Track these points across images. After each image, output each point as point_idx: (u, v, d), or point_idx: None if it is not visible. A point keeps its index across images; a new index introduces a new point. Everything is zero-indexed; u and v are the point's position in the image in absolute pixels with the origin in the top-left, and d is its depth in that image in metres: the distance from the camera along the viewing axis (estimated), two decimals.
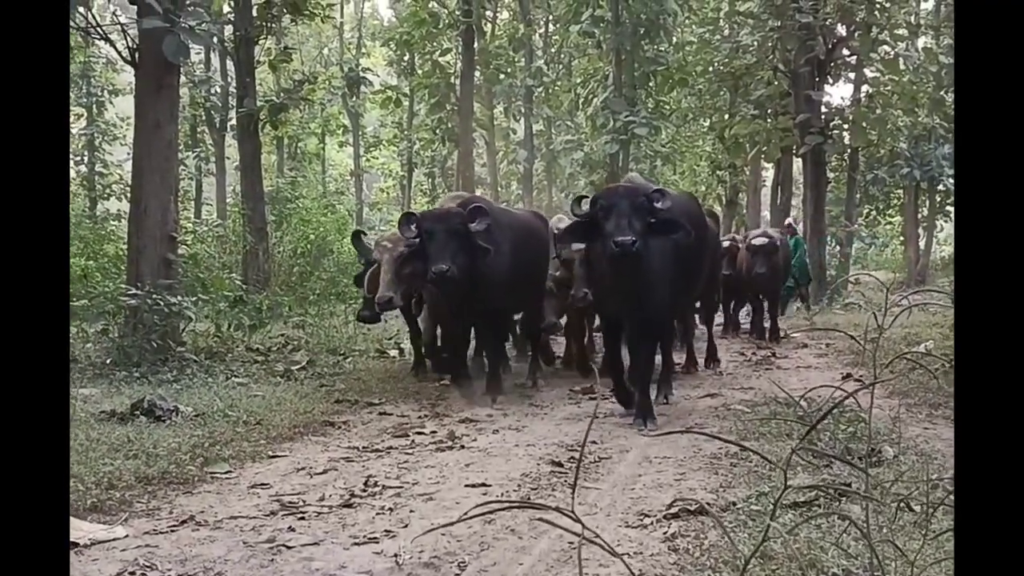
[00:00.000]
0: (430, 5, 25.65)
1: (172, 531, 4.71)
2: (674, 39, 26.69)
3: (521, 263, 9.10)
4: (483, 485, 5.69)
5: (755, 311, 15.49)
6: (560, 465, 6.21)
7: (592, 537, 2.47)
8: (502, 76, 28.80)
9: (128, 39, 10.95)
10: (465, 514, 3.13)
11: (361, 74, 26.67)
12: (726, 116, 27.38)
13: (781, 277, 15.17)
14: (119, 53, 11.54)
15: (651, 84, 25.85)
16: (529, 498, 5.43)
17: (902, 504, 4.20)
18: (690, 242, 7.65)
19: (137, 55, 10.44)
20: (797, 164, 27.55)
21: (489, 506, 3.17)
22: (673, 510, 4.84)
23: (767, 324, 14.85)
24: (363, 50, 36.84)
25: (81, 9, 10.10)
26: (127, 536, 4.61)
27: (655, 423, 7.48)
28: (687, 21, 27.68)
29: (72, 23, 11.05)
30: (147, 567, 4.18)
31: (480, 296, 8.62)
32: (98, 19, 11.90)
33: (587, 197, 7.77)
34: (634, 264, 7.21)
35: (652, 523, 4.74)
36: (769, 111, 25.02)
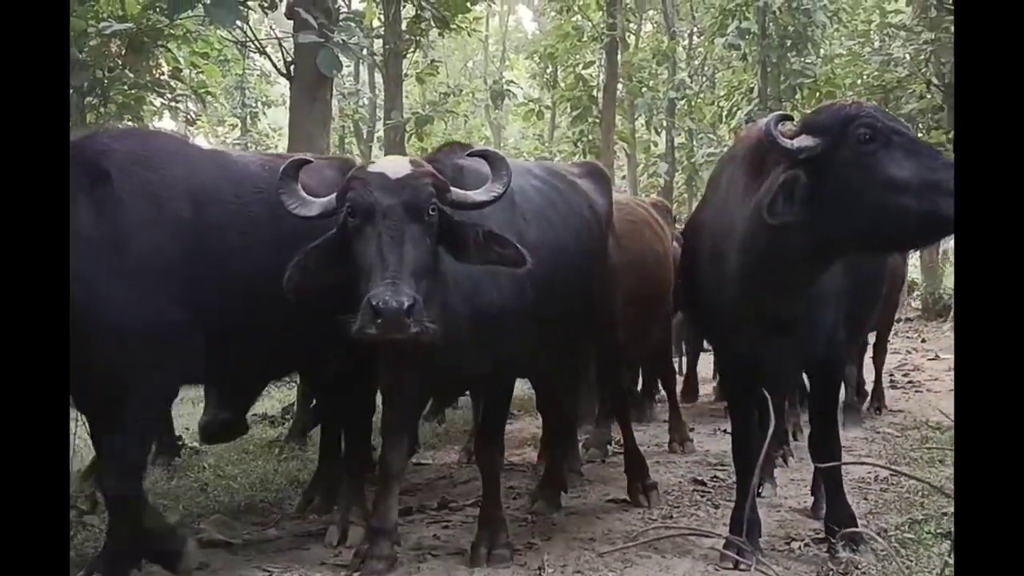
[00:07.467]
0: (574, 18, 25.71)
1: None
2: (822, 51, 26.14)
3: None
4: (624, 501, 5.67)
5: None
6: (703, 484, 6.15)
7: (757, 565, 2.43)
8: (645, 89, 28.62)
9: (284, 52, 11.27)
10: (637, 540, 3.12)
11: (505, 87, 26.93)
12: None
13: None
14: (275, 66, 11.90)
15: (797, 97, 25.33)
16: (671, 516, 5.39)
17: None
18: None
19: (292, 68, 10.75)
20: None
21: (659, 532, 3.16)
22: (821, 535, 4.74)
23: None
24: (507, 63, 37.22)
25: (240, 23, 10.45)
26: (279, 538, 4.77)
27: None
28: (836, 33, 27.04)
29: (230, 36, 11.45)
30: None
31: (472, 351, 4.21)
32: (255, 32, 12.29)
33: (790, 117, 3.99)
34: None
35: (800, 547, 4.64)
36: (921, 125, 24.28)
